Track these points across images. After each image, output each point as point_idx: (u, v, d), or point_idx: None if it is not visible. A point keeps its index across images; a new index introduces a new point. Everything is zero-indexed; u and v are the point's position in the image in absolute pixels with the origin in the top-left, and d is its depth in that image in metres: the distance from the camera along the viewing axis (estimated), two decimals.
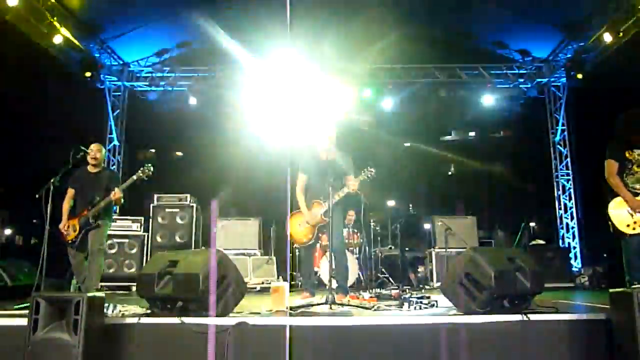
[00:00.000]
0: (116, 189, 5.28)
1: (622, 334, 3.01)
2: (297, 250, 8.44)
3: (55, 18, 8.16)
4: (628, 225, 4.65)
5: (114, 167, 10.25)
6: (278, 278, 7.94)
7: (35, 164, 8.98)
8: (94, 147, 5.53)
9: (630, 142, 4.83)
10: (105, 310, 3.41)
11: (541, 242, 8.67)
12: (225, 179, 10.68)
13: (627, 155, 4.80)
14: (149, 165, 5.43)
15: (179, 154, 12.80)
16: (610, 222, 4.80)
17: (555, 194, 10.63)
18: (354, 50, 9.72)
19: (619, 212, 4.72)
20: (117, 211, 9.33)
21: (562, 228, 10.41)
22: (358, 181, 5.07)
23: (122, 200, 5.45)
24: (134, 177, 5.41)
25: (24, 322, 3.09)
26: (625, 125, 4.92)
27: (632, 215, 4.66)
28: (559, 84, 10.49)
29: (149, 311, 3.62)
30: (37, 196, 4.89)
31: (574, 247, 10.07)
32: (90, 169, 5.55)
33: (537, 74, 10.41)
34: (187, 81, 10.38)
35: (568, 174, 10.52)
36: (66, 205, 5.48)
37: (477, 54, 10.23)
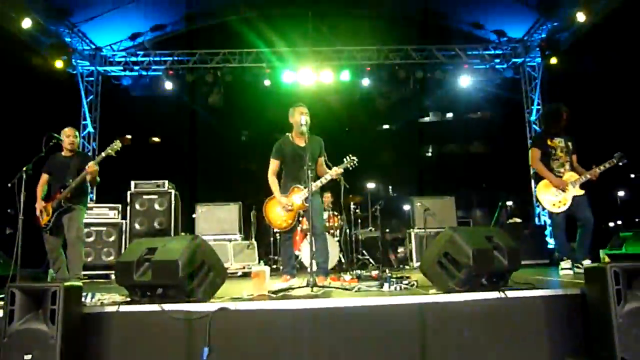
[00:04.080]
0: (91, 162, 5.24)
1: (596, 307, 3.09)
2: (277, 235, 8.45)
3: (23, 1, 7.89)
4: (554, 205, 5.36)
5: (89, 154, 10.05)
6: (259, 263, 7.94)
7: (6, 152, 8.76)
8: (67, 131, 5.51)
9: (550, 132, 5.57)
10: (83, 299, 3.37)
11: (518, 220, 8.81)
12: (204, 163, 10.61)
13: (549, 142, 5.51)
14: (117, 141, 5.37)
15: (156, 139, 12.63)
16: (539, 204, 5.60)
17: (531, 173, 10.78)
18: (330, 32, 9.65)
19: (545, 195, 5.45)
20: (94, 199, 9.20)
21: (537, 206, 10.60)
22: (341, 169, 5.07)
23: (97, 178, 5.39)
24: (105, 152, 5.33)
25: None
26: (545, 118, 5.78)
27: (556, 196, 5.35)
28: (534, 63, 10.59)
29: (128, 299, 3.58)
30: (9, 185, 4.79)
31: (549, 225, 10.27)
32: (64, 153, 5.52)
33: (512, 54, 10.49)
34: (161, 65, 10.18)
35: None
36: (39, 189, 5.45)
37: (454, 35, 10.25)
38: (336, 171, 5.07)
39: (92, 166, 5.21)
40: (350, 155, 5.10)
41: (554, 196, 5.38)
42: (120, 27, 9.71)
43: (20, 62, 9.15)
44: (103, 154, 5.32)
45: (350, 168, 5.12)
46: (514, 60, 10.49)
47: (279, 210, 5.15)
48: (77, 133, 5.66)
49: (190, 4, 9.33)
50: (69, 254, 5.24)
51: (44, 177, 5.49)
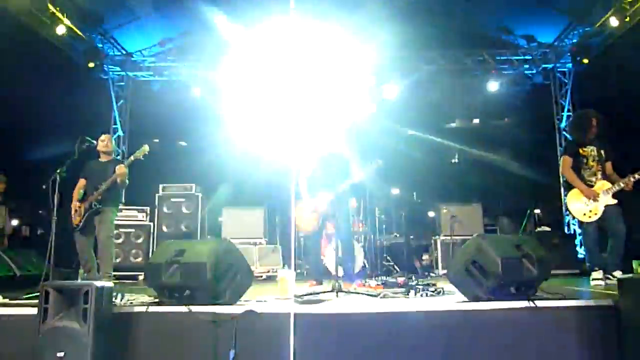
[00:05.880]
0: (120, 164, 5.37)
1: (630, 320, 3.01)
2: (301, 239, 8.47)
3: (57, 8, 8.13)
4: (585, 214, 5.23)
5: (119, 157, 10.22)
6: (284, 266, 7.97)
7: (41, 154, 9.01)
8: (104, 137, 5.68)
9: (581, 140, 5.44)
10: (113, 299, 3.43)
11: (547, 228, 8.63)
12: (230, 167, 10.68)
13: (580, 151, 5.38)
14: (145, 145, 5.48)
15: (183, 143, 12.80)
16: (570, 214, 5.44)
17: (561, 181, 10.57)
18: (358, 37, 9.64)
19: (575, 204, 5.31)
20: (123, 201, 9.39)
21: (567, 214, 10.36)
22: (363, 173, 5.09)
23: (126, 180, 5.49)
24: (134, 156, 5.45)
25: (33, 311, 3.12)
26: (575, 126, 5.65)
27: (587, 205, 5.21)
28: (564, 69, 10.39)
29: (156, 300, 3.64)
30: (43, 187, 4.92)
31: (580, 234, 10.03)
32: (101, 158, 5.69)
33: (542, 59, 10.31)
34: (190, 70, 10.33)
35: None
36: (76, 192, 5.60)
37: (482, 40, 10.13)
38: (358, 175, 5.09)
39: (121, 168, 5.34)
40: (377, 159, 5.10)
41: (584, 205, 5.23)
42: (150, 33, 9.89)
43: (53, 68, 9.41)
44: (132, 158, 5.45)
45: (375, 171, 5.12)
46: (543, 65, 10.31)
47: (305, 213, 5.23)
48: (112, 139, 5.82)
49: (218, 11, 9.44)
50: (100, 253, 5.36)
51: (81, 181, 5.65)
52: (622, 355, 3.08)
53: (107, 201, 5.43)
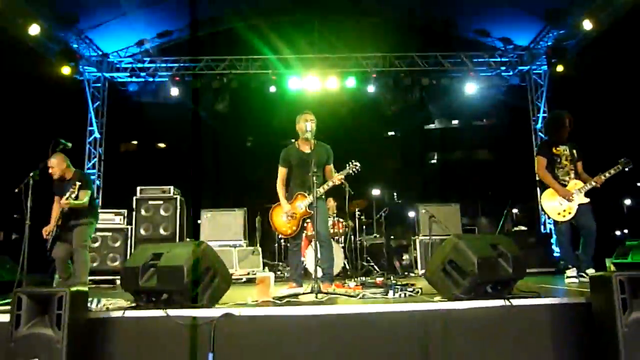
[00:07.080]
0: (63, 199, 5.14)
1: (601, 316, 3.07)
2: (282, 241, 8.45)
3: (31, 8, 7.97)
4: (559, 214, 5.36)
5: (95, 159, 10.07)
6: (264, 269, 7.94)
7: (14, 157, 8.83)
8: (52, 162, 5.32)
9: (555, 139, 5.58)
10: (89, 304, 3.38)
11: (523, 228, 8.78)
12: (210, 170, 10.63)
13: (554, 150, 5.52)
14: (88, 190, 5.31)
15: (162, 145, 12.69)
16: (544, 213, 5.60)
17: (536, 181, 10.73)
18: (337, 38, 9.70)
19: (550, 203, 5.44)
20: (100, 204, 9.23)
21: (543, 214, 10.54)
22: (342, 175, 5.08)
23: (85, 200, 5.30)
24: (72, 201, 5.18)
25: (6, 318, 3.05)
26: (549, 126, 5.79)
27: (561, 204, 5.35)
28: (540, 71, 10.58)
29: (133, 304, 3.60)
30: (16, 191, 4.82)
31: (555, 233, 10.21)
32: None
33: (518, 62, 10.49)
34: (168, 72, 10.24)
35: None
36: (54, 212, 5.42)
37: (460, 43, 10.27)
38: (338, 177, 5.09)
39: (62, 203, 5.14)
40: (353, 161, 5.11)
41: (559, 205, 5.36)
42: (127, 33, 9.78)
43: (27, 69, 9.23)
44: (72, 199, 5.15)
45: (353, 173, 5.12)
46: (520, 67, 10.49)
47: (284, 217, 5.19)
48: (59, 160, 5.40)
49: (196, 10, 9.40)
50: (74, 261, 5.26)
51: (56, 199, 5.46)
52: (594, 351, 3.15)
53: (78, 219, 5.32)
